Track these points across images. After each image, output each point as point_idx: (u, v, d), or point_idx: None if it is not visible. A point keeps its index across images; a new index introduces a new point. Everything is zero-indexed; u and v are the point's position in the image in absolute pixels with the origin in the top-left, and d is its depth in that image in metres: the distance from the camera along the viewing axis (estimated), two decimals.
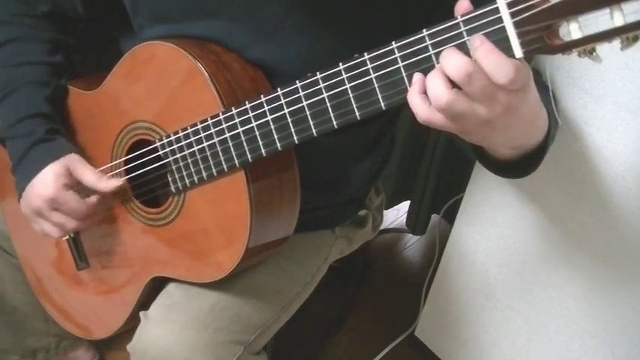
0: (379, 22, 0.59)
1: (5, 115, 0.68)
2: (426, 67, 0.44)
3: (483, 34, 0.40)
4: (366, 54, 0.46)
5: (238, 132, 0.56)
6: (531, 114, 0.47)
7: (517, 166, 0.56)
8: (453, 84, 0.42)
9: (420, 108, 0.44)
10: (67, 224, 0.67)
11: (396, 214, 1.55)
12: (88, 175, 0.66)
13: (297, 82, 0.51)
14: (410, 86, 0.45)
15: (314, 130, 0.52)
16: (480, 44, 0.40)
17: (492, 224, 0.93)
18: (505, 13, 0.39)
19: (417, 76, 0.44)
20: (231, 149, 0.57)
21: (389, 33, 0.59)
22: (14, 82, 0.68)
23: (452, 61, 0.41)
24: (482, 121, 0.43)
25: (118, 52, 0.67)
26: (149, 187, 0.69)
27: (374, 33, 0.59)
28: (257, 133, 0.55)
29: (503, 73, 0.40)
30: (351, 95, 0.48)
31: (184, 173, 0.62)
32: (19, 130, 0.67)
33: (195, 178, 0.61)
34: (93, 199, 0.67)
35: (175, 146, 0.61)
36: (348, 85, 0.48)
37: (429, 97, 0.43)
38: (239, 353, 0.68)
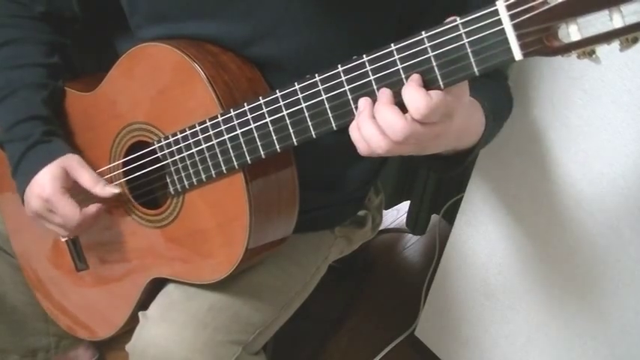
0: (378, 20, 0.59)
1: (3, 118, 0.68)
2: (425, 68, 0.43)
3: (482, 36, 0.40)
4: (364, 56, 0.46)
5: (237, 134, 0.56)
6: (458, 133, 0.51)
7: (446, 162, 0.58)
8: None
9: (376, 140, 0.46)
10: (69, 223, 0.65)
11: (396, 214, 1.55)
12: (85, 178, 0.65)
13: (295, 84, 0.50)
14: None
15: (313, 132, 0.51)
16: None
17: (492, 224, 0.93)
18: (504, 15, 0.39)
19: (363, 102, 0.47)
20: (230, 151, 0.57)
21: (388, 30, 0.59)
22: (11, 84, 0.68)
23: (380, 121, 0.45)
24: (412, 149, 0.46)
25: (116, 53, 0.67)
26: (148, 188, 0.68)
27: (372, 31, 0.59)
28: (255, 134, 0.55)
29: (418, 112, 0.42)
30: (349, 97, 0.48)
31: (183, 175, 0.62)
32: (17, 133, 0.67)
33: (194, 180, 0.61)
34: (92, 208, 0.66)
35: (174, 148, 0.61)
36: (346, 87, 0.47)
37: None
38: (238, 353, 0.68)
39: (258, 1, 0.59)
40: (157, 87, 0.62)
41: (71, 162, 0.66)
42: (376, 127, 0.45)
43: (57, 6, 0.71)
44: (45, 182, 0.64)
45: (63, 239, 0.73)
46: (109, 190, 0.65)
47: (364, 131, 0.46)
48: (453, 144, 0.53)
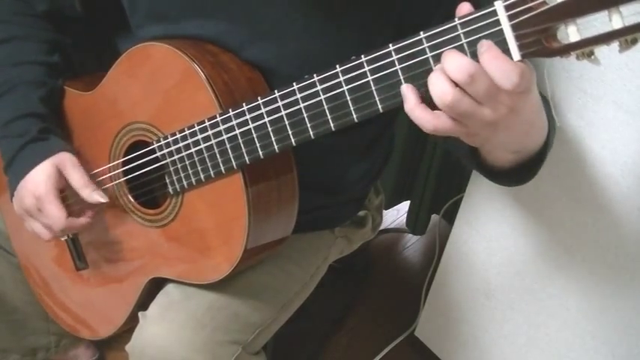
0: (378, 22, 0.59)
1: (0, 114, 0.68)
2: (423, 70, 0.43)
3: (481, 36, 0.40)
4: (363, 56, 0.46)
5: (235, 134, 0.56)
6: (532, 115, 0.47)
7: (515, 173, 0.55)
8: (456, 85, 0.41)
9: (425, 118, 0.43)
10: (54, 227, 0.66)
11: (396, 214, 1.55)
12: (75, 179, 0.65)
13: (294, 84, 0.50)
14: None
15: (311, 132, 0.51)
16: (486, 49, 0.40)
17: (492, 224, 0.93)
18: (503, 15, 0.39)
19: (408, 88, 0.44)
20: (229, 151, 0.57)
21: (388, 34, 0.59)
22: (10, 81, 0.68)
23: (453, 61, 0.41)
24: (486, 122, 0.43)
25: (117, 53, 0.67)
26: (147, 188, 0.68)
27: (372, 34, 0.59)
28: (254, 135, 0.55)
29: (509, 79, 0.40)
30: (348, 97, 0.48)
31: (182, 175, 0.62)
32: (13, 130, 0.67)
33: (193, 180, 0.61)
34: (81, 220, 0.66)
35: (173, 148, 0.61)
36: (345, 88, 0.47)
37: (432, 97, 0.42)
38: (237, 353, 0.68)
39: (258, 3, 0.59)
40: (157, 87, 0.62)
41: (64, 161, 0.66)
42: (449, 81, 0.41)
43: (59, 5, 0.71)
44: (39, 180, 0.64)
45: (62, 238, 0.73)
46: (96, 197, 0.65)
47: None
48: (522, 139, 0.50)
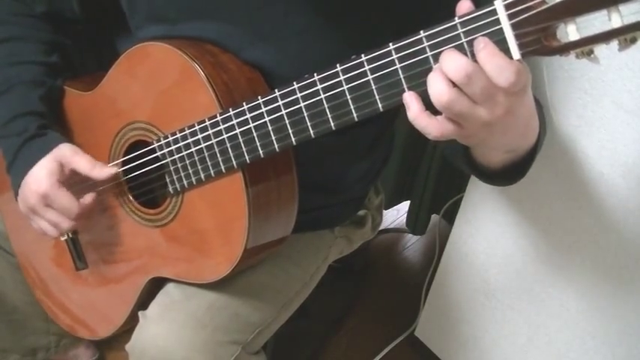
0: (378, 24, 0.59)
1: None
2: (423, 69, 0.43)
3: (481, 35, 0.40)
4: (363, 55, 0.46)
5: (236, 133, 0.56)
6: (527, 116, 0.48)
7: (507, 172, 0.56)
8: (454, 85, 0.42)
9: (431, 125, 0.44)
10: (61, 223, 0.66)
11: (396, 214, 1.55)
12: (81, 163, 0.65)
13: (294, 83, 0.51)
14: (407, 88, 0.45)
15: (312, 132, 0.51)
16: (483, 46, 0.40)
17: (492, 224, 0.93)
18: (503, 14, 0.39)
19: (411, 96, 0.44)
20: (229, 150, 0.57)
21: (388, 35, 0.59)
22: (9, 81, 0.68)
23: (451, 61, 0.41)
24: (482, 123, 0.43)
25: (117, 53, 0.67)
26: (147, 187, 0.68)
27: (373, 35, 0.59)
28: (254, 134, 0.55)
29: (505, 77, 0.40)
30: (348, 97, 0.48)
31: (182, 174, 0.62)
32: (12, 129, 0.67)
33: (194, 179, 0.61)
34: (87, 198, 0.66)
35: (173, 147, 0.61)
36: (345, 87, 0.47)
37: (430, 96, 0.43)
38: (237, 353, 0.68)
39: (258, 5, 0.59)
40: (157, 86, 0.62)
41: (65, 152, 0.66)
42: (446, 81, 0.42)
43: (57, 6, 0.71)
44: (41, 177, 0.64)
45: (62, 238, 0.73)
46: (107, 171, 0.65)
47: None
48: (518, 139, 0.51)
